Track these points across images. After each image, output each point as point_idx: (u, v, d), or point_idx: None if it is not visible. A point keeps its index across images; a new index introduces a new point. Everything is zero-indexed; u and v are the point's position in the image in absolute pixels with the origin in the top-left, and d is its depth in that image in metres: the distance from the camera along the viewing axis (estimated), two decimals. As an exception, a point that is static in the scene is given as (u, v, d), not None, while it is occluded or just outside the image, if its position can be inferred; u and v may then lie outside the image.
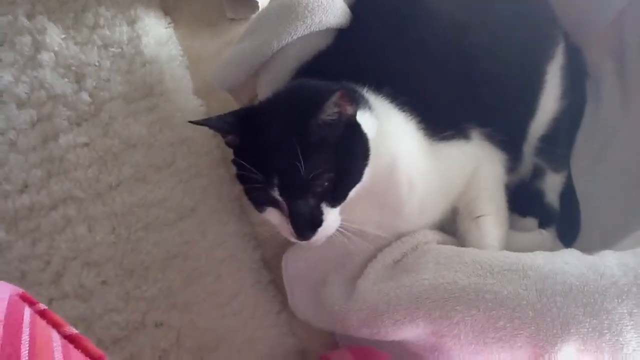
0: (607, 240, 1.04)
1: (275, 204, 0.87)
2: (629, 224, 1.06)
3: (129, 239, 1.19)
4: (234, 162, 0.91)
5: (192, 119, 1.30)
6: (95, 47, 1.39)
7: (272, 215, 0.89)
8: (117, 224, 1.20)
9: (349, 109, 0.85)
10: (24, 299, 0.64)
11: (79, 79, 1.35)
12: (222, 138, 0.92)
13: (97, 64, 1.37)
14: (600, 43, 1.26)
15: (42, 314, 0.64)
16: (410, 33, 1.06)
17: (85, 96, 1.33)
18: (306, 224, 0.85)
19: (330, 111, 0.83)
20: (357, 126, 0.88)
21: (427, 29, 1.07)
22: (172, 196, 1.23)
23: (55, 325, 0.65)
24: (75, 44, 1.39)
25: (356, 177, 0.88)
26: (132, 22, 1.43)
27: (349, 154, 0.87)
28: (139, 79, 1.36)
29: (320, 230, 0.86)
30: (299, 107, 0.85)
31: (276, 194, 0.84)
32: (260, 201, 0.88)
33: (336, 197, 0.87)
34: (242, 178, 0.88)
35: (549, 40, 1.14)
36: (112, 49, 1.39)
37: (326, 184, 0.84)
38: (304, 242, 0.88)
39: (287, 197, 0.84)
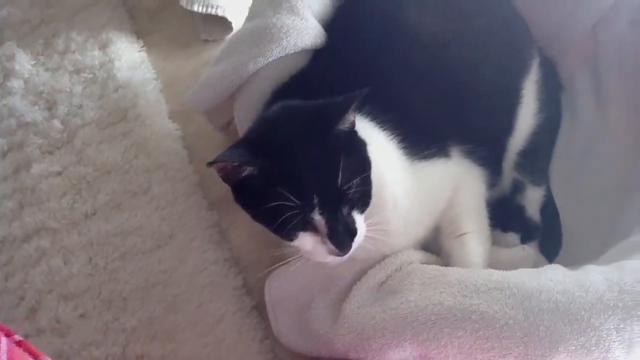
0: (591, 253, 1.04)
1: (308, 226, 0.84)
2: (611, 235, 1.06)
3: (106, 269, 1.16)
4: (245, 199, 0.87)
5: (167, 143, 1.32)
6: (67, 73, 1.37)
7: (305, 240, 0.85)
8: (93, 254, 1.18)
9: (353, 116, 0.86)
10: (0, 329, 0.66)
11: (51, 105, 1.33)
12: (219, 174, 0.85)
13: (68, 90, 1.35)
14: (575, 56, 1.27)
15: (19, 344, 0.66)
16: (388, 51, 1.06)
17: (57, 123, 1.31)
18: (345, 237, 0.83)
19: (350, 118, 0.84)
20: (356, 132, 0.89)
21: (405, 47, 1.06)
22: (149, 223, 1.21)
23: (32, 354, 0.67)
24: (46, 70, 1.37)
25: (369, 179, 0.87)
26: (103, 46, 1.41)
27: (359, 158, 0.87)
28: (112, 104, 1.34)
29: (356, 239, 0.85)
30: (317, 121, 0.84)
31: (316, 214, 0.81)
32: (293, 228, 0.83)
33: (364, 201, 0.86)
34: (262, 213, 0.83)
35: (524, 55, 1.15)
36: (84, 74, 1.37)
37: (355, 190, 0.83)
38: (337, 258, 0.86)
39: (328, 213, 0.82)
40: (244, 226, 1.23)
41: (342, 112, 0.83)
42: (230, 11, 1.44)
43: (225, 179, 0.86)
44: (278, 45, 1.05)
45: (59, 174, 1.25)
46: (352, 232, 0.84)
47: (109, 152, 1.27)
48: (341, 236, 0.83)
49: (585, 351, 0.78)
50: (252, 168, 0.82)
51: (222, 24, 1.46)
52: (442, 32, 1.07)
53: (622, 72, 1.18)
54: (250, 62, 1.05)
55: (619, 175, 1.15)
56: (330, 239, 0.83)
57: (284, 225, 0.82)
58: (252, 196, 0.85)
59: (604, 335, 0.78)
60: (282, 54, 1.06)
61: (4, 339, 0.64)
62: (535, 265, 1.07)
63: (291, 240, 0.85)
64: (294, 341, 1.02)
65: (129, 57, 1.42)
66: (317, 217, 0.82)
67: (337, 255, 0.84)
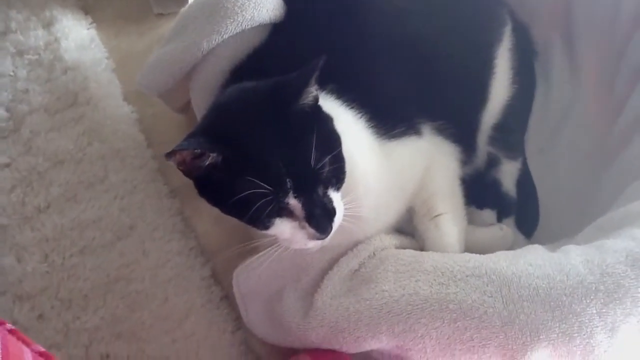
0: (568, 227, 1.02)
1: (283, 212, 0.79)
2: (588, 208, 1.04)
3: (64, 266, 1.11)
4: (211, 192, 0.81)
5: (123, 128, 1.24)
6: (9, 55, 1.30)
7: (282, 227, 0.80)
8: (49, 251, 1.13)
9: (315, 89, 0.81)
10: None
11: (-7, 92, 1.25)
12: (179, 168, 0.79)
13: (12, 73, 1.28)
14: (548, 18, 1.23)
15: (11, 332, 0.69)
16: (351, 23, 1.00)
17: (1, 111, 1.24)
18: (324, 217, 0.79)
19: (312, 91, 0.79)
20: (321, 107, 0.83)
21: (370, 18, 1.01)
22: (108, 215, 1.16)
23: (25, 343, 0.69)
24: (-15, 53, 1.28)
25: (342, 154, 0.82)
26: (48, 25, 1.33)
27: (329, 133, 0.82)
28: (61, 88, 1.27)
29: (335, 219, 0.80)
30: (276, 100, 0.79)
31: (290, 198, 0.76)
32: (268, 215, 0.78)
33: (339, 177, 0.82)
34: (232, 204, 0.78)
35: (495, 22, 1.09)
36: (28, 56, 1.29)
37: (328, 167, 0.79)
38: (319, 242, 0.81)
39: (303, 196, 0.77)
40: (208, 212, 1.17)
41: (303, 85, 0.78)
42: (184, -18, 1.35)
43: (186, 172, 0.80)
44: (233, 20, 0.98)
45: (7, 165, 1.19)
46: (331, 212, 0.80)
47: (60, 140, 1.21)
48: (320, 218, 0.79)
49: (567, 338, 0.76)
50: (214, 155, 0.76)
51: (176, -5, 1.38)
52: (406, 1, 1.02)
53: (593, 36, 1.14)
54: (204, 40, 0.98)
55: (593, 145, 1.12)
56: (309, 222, 0.78)
57: (258, 214, 0.77)
58: (218, 189, 0.80)
59: (586, 321, 0.76)
60: (238, 30, 0.99)
61: None
62: (514, 244, 1.04)
63: (267, 228, 0.80)
64: (266, 333, 0.98)
65: (76, 36, 1.33)
66: (293, 202, 0.77)
67: (319, 238, 0.80)
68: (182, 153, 0.75)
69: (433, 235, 0.97)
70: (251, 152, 0.76)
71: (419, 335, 0.81)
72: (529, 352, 0.76)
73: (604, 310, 0.75)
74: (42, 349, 0.70)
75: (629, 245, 0.80)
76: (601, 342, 0.75)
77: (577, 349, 0.75)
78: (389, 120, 0.94)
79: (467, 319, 0.78)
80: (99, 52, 1.34)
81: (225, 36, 0.98)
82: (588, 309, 0.76)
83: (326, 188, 0.80)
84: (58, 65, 1.28)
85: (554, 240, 0.98)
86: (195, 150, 0.75)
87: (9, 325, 0.69)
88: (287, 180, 0.75)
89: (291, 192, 0.76)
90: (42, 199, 1.16)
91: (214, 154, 0.76)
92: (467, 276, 0.82)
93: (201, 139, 0.77)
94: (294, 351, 1.04)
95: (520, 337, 0.76)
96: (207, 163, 0.76)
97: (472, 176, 1.11)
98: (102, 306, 1.08)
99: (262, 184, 0.74)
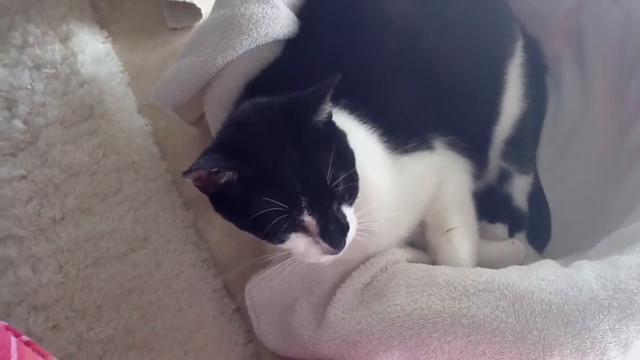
0: (580, 242, 1.02)
1: (298, 227, 0.79)
2: (600, 223, 1.04)
3: (78, 277, 1.12)
4: (228, 209, 0.83)
5: (137, 140, 1.26)
6: (26, 69, 1.31)
7: (297, 242, 0.81)
8: (64, 262, 1.14)
9: (329, 106, 0.81)
10: (9, 329, 0.69)
11: (10, 105, 1.27)
12: (195, 184, 0.80)
13: (29, 87, 1.29)
14: (559, 32, 1.23)
15: (27, 344, 0.70)
16: (364, 39, 1.01)
17: (18, 123, 1.25)
18: (338, 233, 0.79)
19: (326, 108, 0.80)
20: (334, 123, 0.84)
21: (382, 34, 1.01)
22: (122, 226, 1.17)
23: (41, 354, 0.70)
24: (3, 66, 1.31)
25: (356, 171, 0.83)
26: (65, 39, 1.34)
27: (343, 149, 0.83)
28: (77, 101, 1.28)
29: (349, 234, 0.81)
30: (290, 116, 0.80)
31: (305, 215, 0.77)
32: (284, 231, 0.79)
33: (352, 193, 0.82)
34: (249, 222, 0.79)
35: (507, 38, 1.10)
36: (45, 70, 1.31)
37: (342, 183, 0.79)
38: (332, 256, 0.82)
39: (318, 213, 0.78)
40: (221, 224, 1.18)
41: (318, 102, 0.79)
42: (198, -4, 1.37)
43: (202, 188, 0.81)
44: (248, 36, 0.99)
45: (24, 177, 1.20)
46: (345, 228, 0.81)
47: (76, 153, 1.22)
48: (334, 234, 0.79)
49: (580, 354, 0.76)
50: (230, 173, 0.77)
51: (190, 10, 1.39)
52: (417, 17, 1.03)
53: (604, 50, 1.14)
54: (219, 56, 0.99)
55: (605, 160, 1.12)
56: (323, 238, 0.79)
57: (274, 231, 0.78)
58: (234, 205, 0.81)
59: (599, 337, 0.75)
60: (252, 46, 1.00)
61: (13, 339, 0.67)
62: (526, 258, 1.04)
63: (282, 243, 0.81)
64: (278, 345, 0.99)
65: (92, 50, 1.35)
66: (307, 219, 0.78)
67: (332, 253, 0.81)
68: (198, 171, 0.76)
69: (445, 249, 0.97)
70: (266, 170, 0.77)
71: (431, 349, 0.81)
72: (542, 368, 0.76)
73: (617, 327, 0.75)
74: None
75: (643, 262, 0.80)
76: (614, 358, 0.75)
77: (590, 365, 0.75)
78: (402, 135, 0.95)
79: (480, 333, 0.78)
80: (114, 66, 1.35)
81: (240, 52, 1.00)
82: (601, 325, 0.75)
83: (340, 203, 0.80)
84: (74, 79, 1.29)
85: (565, 254, 0.98)
86: (212, 169, 0.76)
87: (24, 337, 0.69)
88: (303, 198, 0.76)
89: (306, 209, 0.77)
90: (57, 211, 1.17)
91: (230, 173, 0.76)
92: (479, 291, 0.82)
93: (217, 156, 0.78)
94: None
95: (532, 352, 0.76)
96: (223, 181, 0.77)
97: (484, 190, 1.11)
98: (116, 317, 1.08)
99: (277, 202, 0.75)
